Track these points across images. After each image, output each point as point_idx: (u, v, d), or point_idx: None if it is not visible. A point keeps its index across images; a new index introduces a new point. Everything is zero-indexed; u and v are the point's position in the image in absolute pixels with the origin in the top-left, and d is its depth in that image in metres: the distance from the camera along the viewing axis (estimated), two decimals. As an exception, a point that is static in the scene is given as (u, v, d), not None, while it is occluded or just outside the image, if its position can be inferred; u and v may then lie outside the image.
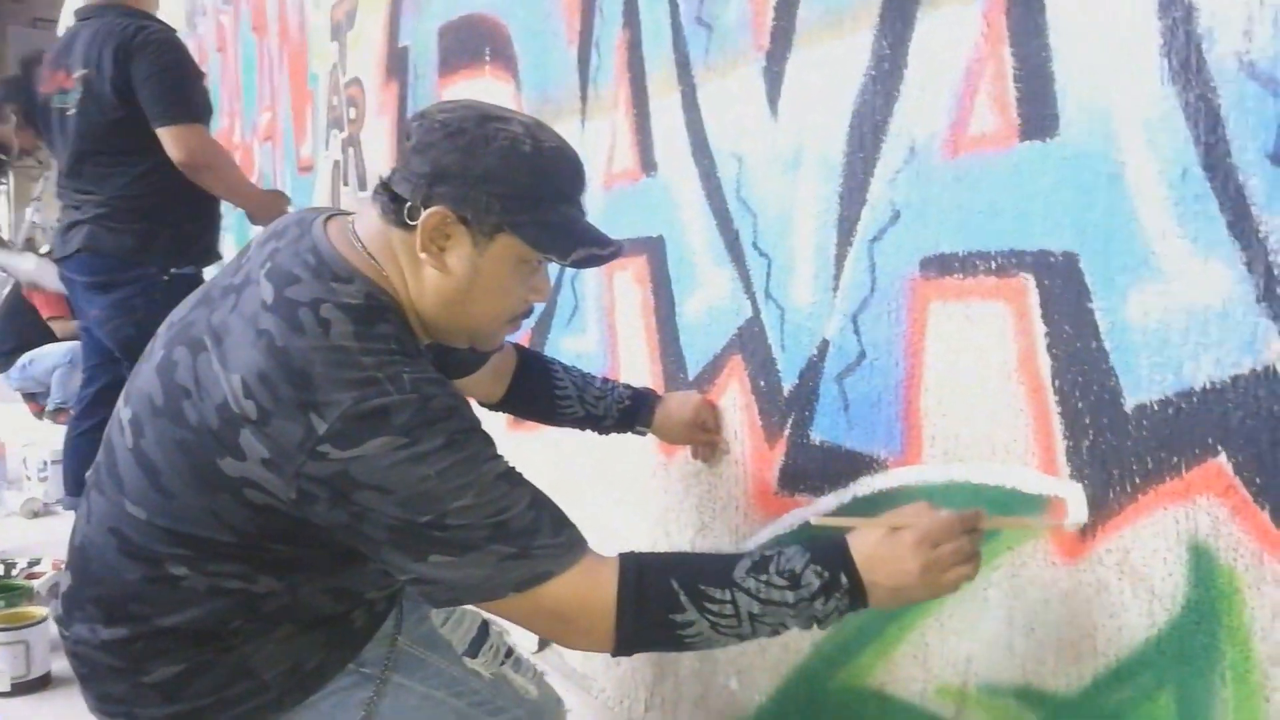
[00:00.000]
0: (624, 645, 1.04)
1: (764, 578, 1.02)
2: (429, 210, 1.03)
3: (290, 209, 2.84)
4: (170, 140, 2.44)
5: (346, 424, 0.96)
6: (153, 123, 2.45)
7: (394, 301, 1.08)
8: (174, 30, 2.69)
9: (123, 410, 1.12)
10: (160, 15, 2.75)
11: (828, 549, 1.05)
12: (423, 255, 1.05)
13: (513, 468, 1.04)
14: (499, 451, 1.04)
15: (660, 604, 1.01)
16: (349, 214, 1.15)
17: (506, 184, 1.04)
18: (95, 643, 1.12)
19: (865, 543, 1.05)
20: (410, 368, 1.01)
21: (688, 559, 1.17)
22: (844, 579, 1.03)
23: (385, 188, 1.08)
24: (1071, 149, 1.07)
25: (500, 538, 0.99)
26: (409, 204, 1.04)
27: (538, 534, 1.02)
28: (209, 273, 4.17)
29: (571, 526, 1.05)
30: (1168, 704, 1.02)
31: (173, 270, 2.55)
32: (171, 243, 2.55)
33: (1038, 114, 1.10)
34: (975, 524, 1.06)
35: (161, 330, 1.15)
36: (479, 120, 1.04)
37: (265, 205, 2.80)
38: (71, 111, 2.52)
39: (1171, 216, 0.97)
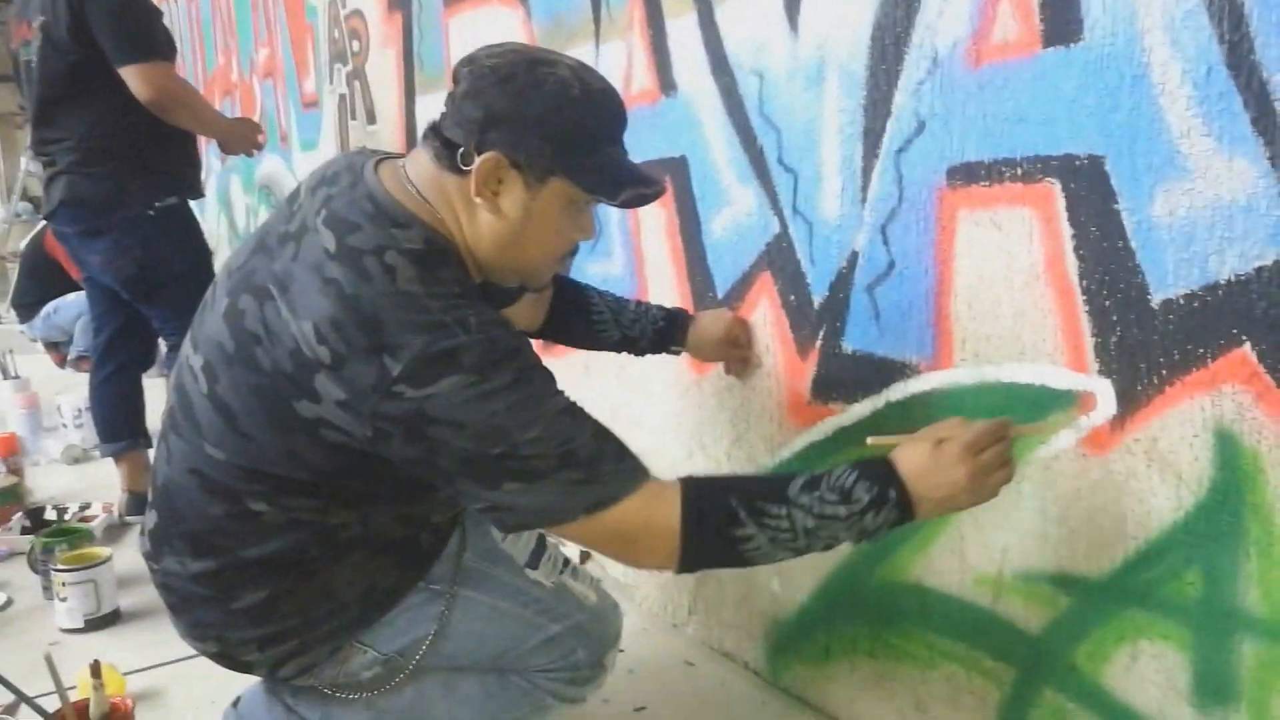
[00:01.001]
0: (688, 561, 1.09)
1: (817, 494, 1.08)
2: (483, 156, 1.06)
3: (261, 138, 2.85)
4: (135, 79, 2.39)
5: (419, 365, 1.00)
6: (114, 63, 2.40)
7: (450, 244, 1.11)
8: None
9: (192, 357, 1.17)
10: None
11: (876, 466, 1.10)
12: (477, 199, 1.09)
13: (574, 402, 1.10)
14: (560, 387, 1.10)
15: (722, 521, 1.07)
16: (396, 157, 1.18)
17: (558, 128, 1.07)
18: (185, 574, 1.19)
19: (911, 457, 1.10)
20: (473, 309, 1.05)
21: (743, 479, 1.22)
22: (892, 493, 1.08)
23: (436, 133, 1.11)
24: (1095, 52, 1.09)
25: (568, 465, 1.05)
26: (462, 149, 1.08)
27: (603, 461, 1.07)
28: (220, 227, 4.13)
29: (633, 455, 1.11)
30: (1195, 580, 1.08)
31: (156, 204, 2.53)
32: (148, 179, 2.53)
33: (1061, 19, 1.12)
34: (1006, 431, 1.12)
35: (221, 278, 1.19)
36: (528, 65, 1.07)
37: (237, 135, 2.79)
38: (34, 61, 2.50)
39: (1197, 115, 1.00)
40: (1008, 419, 1.14)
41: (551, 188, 1.09)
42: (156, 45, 2.47)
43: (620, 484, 1.07)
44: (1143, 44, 1.04)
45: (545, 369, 1.09)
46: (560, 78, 1.07)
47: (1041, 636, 1.26)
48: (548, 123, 1.06)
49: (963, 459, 1.08)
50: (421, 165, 1.13)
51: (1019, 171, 1.19)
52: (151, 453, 1.80)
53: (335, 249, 1.06)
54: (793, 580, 1.67)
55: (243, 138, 2.81)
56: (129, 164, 2.50)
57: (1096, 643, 1.20)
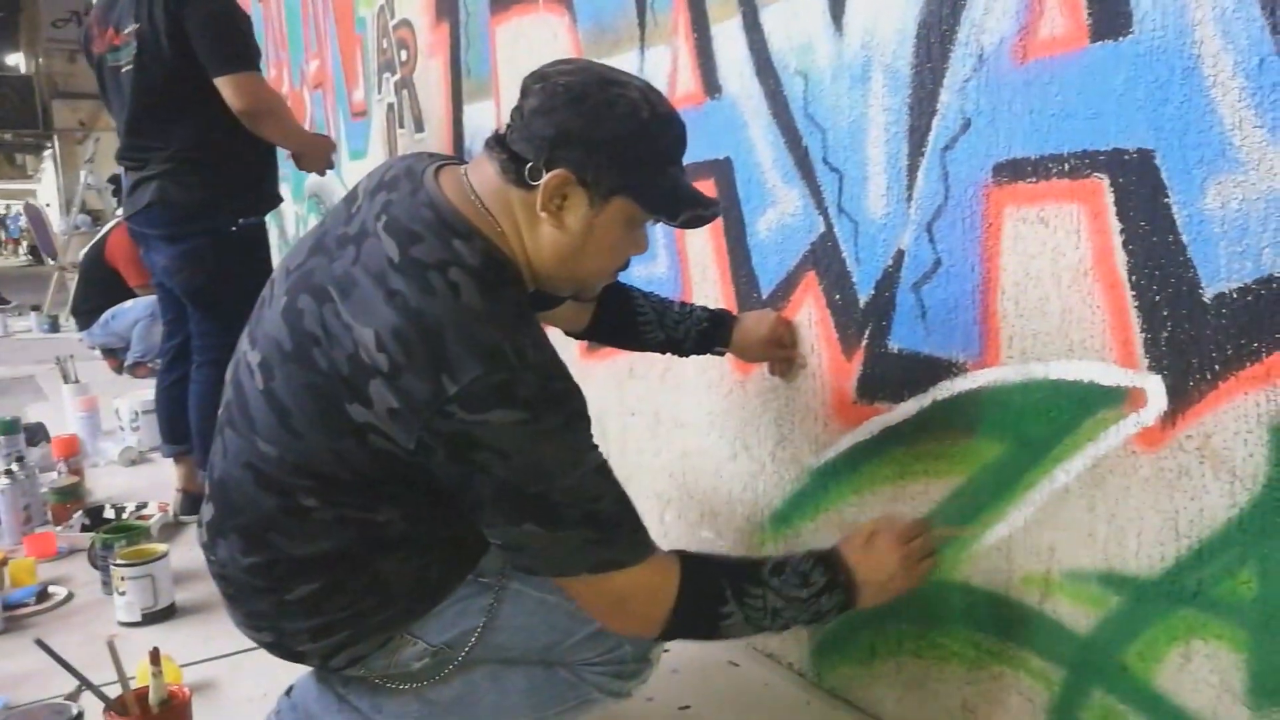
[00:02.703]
0: (669, 632, 1.19)
1: (784, 577, 1.20)
2: (551, 172, 1.09)
3: (334, 156, 2.86)
4: (230, 89, 2.44)
5: (475, 391, 1.03)
6: (211, 72, 2.44)
7: (509, 258, 1.14)
8: None
9: (249, 353, 1.20)
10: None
11: (826, 554, 1.25)
12: (542, 214, 1.11)
13: (606, 461, 1.14)
14: (596, 442, 1.13)
15: (712, 599, 1.17)
16: (456, 164, 1.20)
17: (626, 149, 1.10)
18: (240, 566, 1.22)
19: (852, 548, 1.26)
20: (531, 339, 1.08)
21: (728, 561, 1.30)
22: (841, 576, 1.23)
23: (502, 145, 1.13)
24: (1145, 45, 1.08)
25: (590, 522, 1.10)
26: (530, 164, 1.10)
27: (621, 527, 1.13)
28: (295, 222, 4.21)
29: (644, 528, 1.17)
30: (1250, 578, 1.07)
31: (240, 221, 2.58)
32: (238, 193, 2.57)
33: (1109, 13, 1.11)
34: (925, 528, 1.32)
35: (278, 276, 1.22)
36: (600, 85, 1.10)
37: (314, 149, 2.80)
38: (126, 68, 2.53)
39: (1249, 107, 0.99)
40: (924, 521, 1.36)
41: (614, 206, 1.12)
42: (250, 55, 2.51)
43: (630, 552, 1.14)
44: (1194, 36, 1.03)
45: (589, 419, 1.12)
46: (630, 99, 1.10)
47: (1091, 636, 1.25)
48: (617, 144, 1.09)
49: (894, 546, 1.26)
50: (485, 176, 1.15)
51: (1066, 167, 1.19)
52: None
53: (399, 259, 1.08)
54: (837, 580, 1.66)
55: (320, 154, 2.81)
56: (220, 177, 2.54)
57: (1148, 642, 1.18)
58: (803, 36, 1.55)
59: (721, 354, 1.68)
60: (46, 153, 24.40)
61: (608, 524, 1.11)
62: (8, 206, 26.56)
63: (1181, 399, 1.11)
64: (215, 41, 2.44)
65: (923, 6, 1.34)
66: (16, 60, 24.15)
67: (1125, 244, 1.14)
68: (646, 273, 2.04)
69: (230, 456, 1.22)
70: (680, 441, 2.02)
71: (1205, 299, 1.06)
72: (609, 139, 1.09)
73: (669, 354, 1.67)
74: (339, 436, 1.10)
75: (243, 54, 2.49)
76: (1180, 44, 1.05)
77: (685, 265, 1.95)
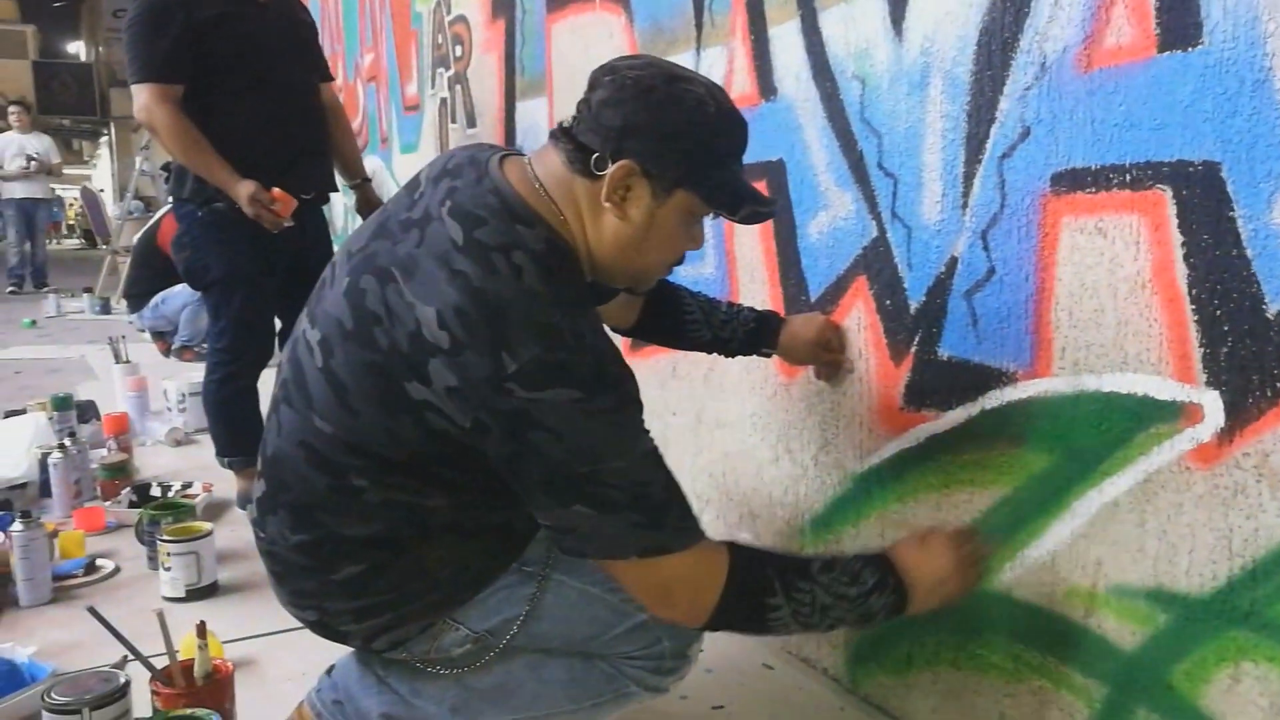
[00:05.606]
0: (716, 620, 1.17)
1: (833, 574, 1.19)
2: (617, 163, 1.11)
3: (288, 222, 2.48)
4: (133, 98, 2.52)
5: (533, 369, 1.04)
6: None
7: (570, 245, 1.16)
8: None
9: (309, 331, 1.22)
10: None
11: (877, 555, 1.25)
12: (606, 204, 1.13)
13: (658, 449, 1.14)
14: (647, 428, 1.14)
15: (759, 590, 1.16)
16: (518, 155, 1.22)
17: (691, 143, 1.12)
18: (288, 544, 1.24)
19: (904, 550, 1.26)
20: (589, 322, 1.11)
21: (776, 553, 1.32)
22: (891, 579, 1.21)
23: (569, 136, 1.15)
24: (1215, 57, 1.07)
25: (638, 506, 1.10)
26: (596, 155, 1.12)
27: (669, 511, 1.13)
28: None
29: (695, 515, 1.17)
30: (1306, 600, 1.05)
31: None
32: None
33: (1179, 23, 1.10)
34: (976, 534, 1.32)
35: (340, 258, 1.25)
36: (668, 79, 1.12)
37: (240, 196, 2.46)
38: None
39: (1322, 121, 0.98)
40: (974, 527, 1.37)
41: (676, 199, 1.14)
42: (144, 67, 2.46)
43: (679, 537, 1.14)
44: (1266, 48, 1.02)
45: (641, 404, 1.14)
46: (697, 94, 1.12)
47: (1137, 653, 1.23)
48: (683, 137, 1.11)
49: (948, 548, 1.25)
50: (551, 165, 1.17)
51: (1127, 178, 1.18)
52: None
53: (462, 241, 1.10)
54: (876, 587, 1.65)
55: (240, 197, 2.46)
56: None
57: (1196, 662, 1.16)
58: (862, 41, 1.55)
59: (768, 355, 1.68)
60: (103, 139, 24.92)
61: (656, 508, 1.12)
62: (51, 191, 27.01)
63: (1240, 416, 1.09)
64: (124, 53, 2.52)
65: (985, 14, 1.33)
66: (77, 48, 24.71)
67: (1186, 257, 1.12)
68: (694, 273, 2.04)
69: (285, 433, 1.24)
70: (722, 443, 2.02)
71: (1269, 315, 1.04)
72: (675, 132, 1.11)
73: (714, 354, 1.68)
74: (396, 415, 1.12)
75: (135, 66, 2.48)
76: (1251, 56, 1.03)
77: (733, 266, 1.95)
